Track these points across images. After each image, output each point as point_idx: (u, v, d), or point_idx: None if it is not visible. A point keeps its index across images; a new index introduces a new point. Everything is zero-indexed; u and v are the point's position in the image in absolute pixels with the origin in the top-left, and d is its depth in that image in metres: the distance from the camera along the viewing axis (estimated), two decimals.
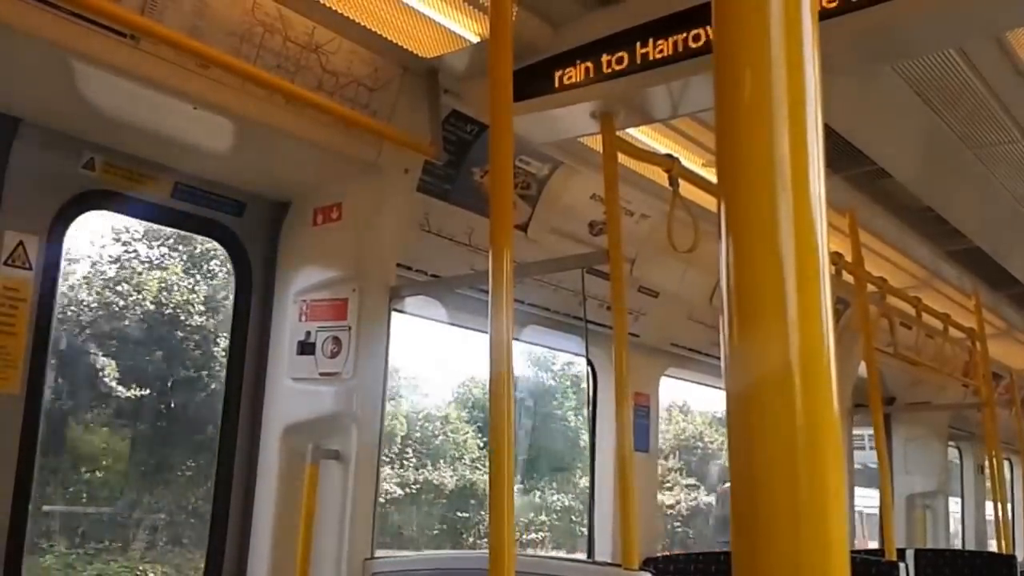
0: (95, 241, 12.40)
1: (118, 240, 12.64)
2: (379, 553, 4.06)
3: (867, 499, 11.32)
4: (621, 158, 3.86)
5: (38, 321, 3.51)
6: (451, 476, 18.28)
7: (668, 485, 19.59)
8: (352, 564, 3.93)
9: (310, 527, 3.92)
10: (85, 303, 12.49)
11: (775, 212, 0.93)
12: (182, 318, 13.04)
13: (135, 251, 12.86)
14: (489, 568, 2.54)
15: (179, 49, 3.22)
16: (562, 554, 16.31)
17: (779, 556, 0.86)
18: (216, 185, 4.10)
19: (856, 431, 8.85)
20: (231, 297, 4.32)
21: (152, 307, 12.97)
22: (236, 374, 4.24)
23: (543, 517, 18.70)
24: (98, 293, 12.75)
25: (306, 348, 4.12)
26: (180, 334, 13.14)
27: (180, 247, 13.25)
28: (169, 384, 13.08)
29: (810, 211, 0.93)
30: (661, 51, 3.54)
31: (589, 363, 5.88)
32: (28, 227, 3.50)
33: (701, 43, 3.43)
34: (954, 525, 11.28)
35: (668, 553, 5.76)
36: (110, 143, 3.72)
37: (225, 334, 4.53)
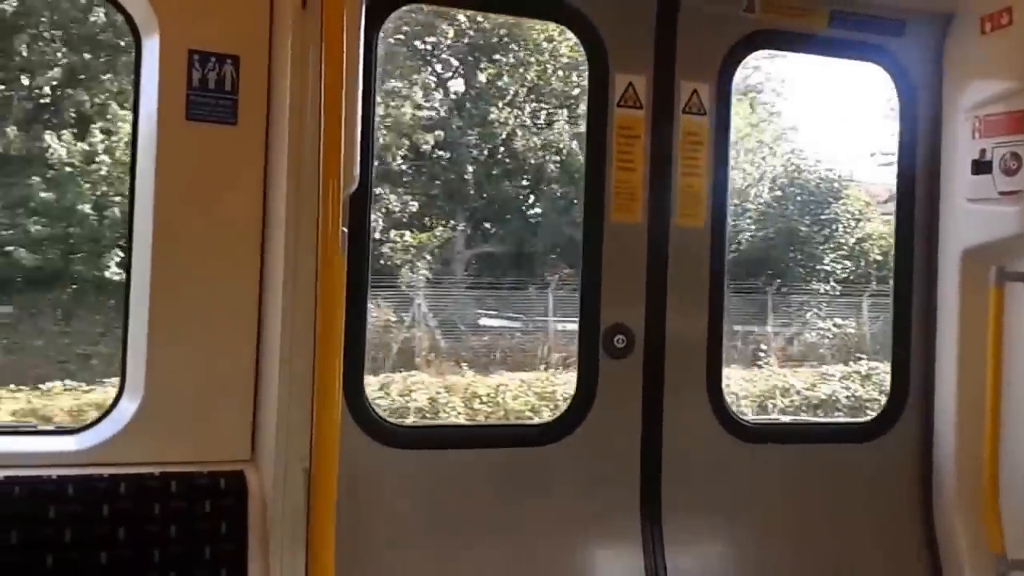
0: None
1: None
2: None
3: None
4: None
5: (716, 163, 3.91)
6: None
7: None
8: None
9: (998, 353, 3.80)
10: None
11: None
12: None
13: None
14: None
15: None
16: None
17: None
18: (872, 7, 3.99)
19: None
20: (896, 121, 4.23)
21: None
22: (907, 198, 4.20)
23: None
24: None
25: (981, 167, 3.87)
26: None
27: None
28: None
29: None
30: None
31: None
32: (699, 76, 3.85)
33: None
34: None
35: None
36: None
37: None
